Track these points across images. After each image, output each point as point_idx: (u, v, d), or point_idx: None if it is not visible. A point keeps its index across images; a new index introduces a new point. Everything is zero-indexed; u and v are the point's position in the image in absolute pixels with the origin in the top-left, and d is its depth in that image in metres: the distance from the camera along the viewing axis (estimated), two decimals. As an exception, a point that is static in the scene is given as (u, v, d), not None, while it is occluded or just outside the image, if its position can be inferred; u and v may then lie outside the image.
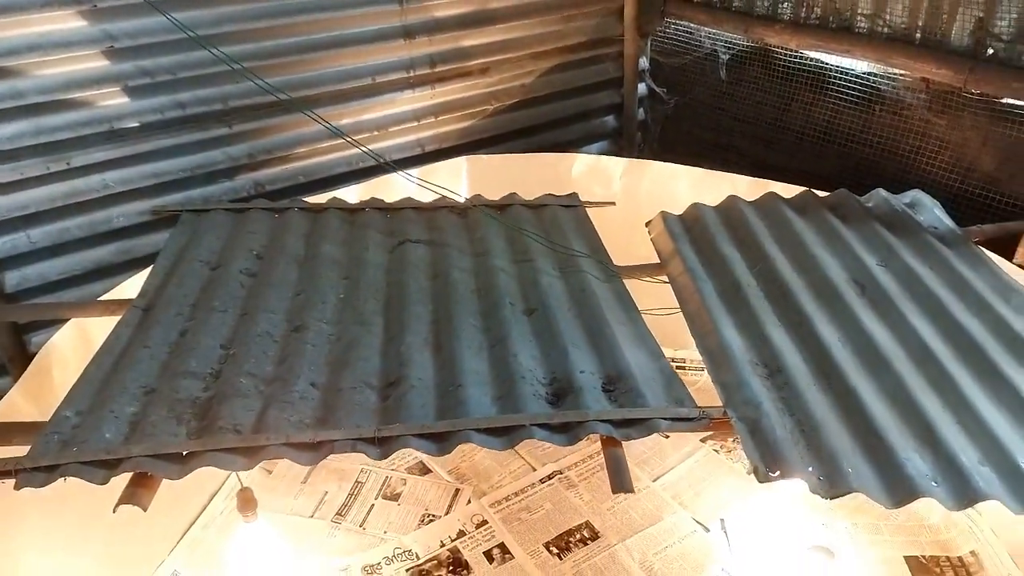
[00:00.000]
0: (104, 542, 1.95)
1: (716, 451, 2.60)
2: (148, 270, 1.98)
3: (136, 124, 2.51)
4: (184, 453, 1.33)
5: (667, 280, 1.88)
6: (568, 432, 1.39)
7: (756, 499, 2.40)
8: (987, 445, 1.34)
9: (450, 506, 2.42)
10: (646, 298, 1.89)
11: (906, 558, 2.21)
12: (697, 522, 2.34)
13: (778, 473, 1.25)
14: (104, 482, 1.27)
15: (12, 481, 1.28)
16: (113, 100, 2.46)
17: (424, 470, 2.56)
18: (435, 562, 2.24)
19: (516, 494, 2.45)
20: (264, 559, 1.94)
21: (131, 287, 2.00)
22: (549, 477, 2.51)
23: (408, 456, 2.60)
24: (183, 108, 2.56)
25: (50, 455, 1.30)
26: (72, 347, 1.95)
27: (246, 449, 1.33)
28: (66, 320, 2.00)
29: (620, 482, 1.30)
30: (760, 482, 1.27)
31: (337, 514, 2.40)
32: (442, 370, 1.55)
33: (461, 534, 2.32)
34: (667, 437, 2.70)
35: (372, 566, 2.22)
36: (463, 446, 2.70)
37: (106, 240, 2.61)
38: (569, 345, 1.62)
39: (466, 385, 1.49)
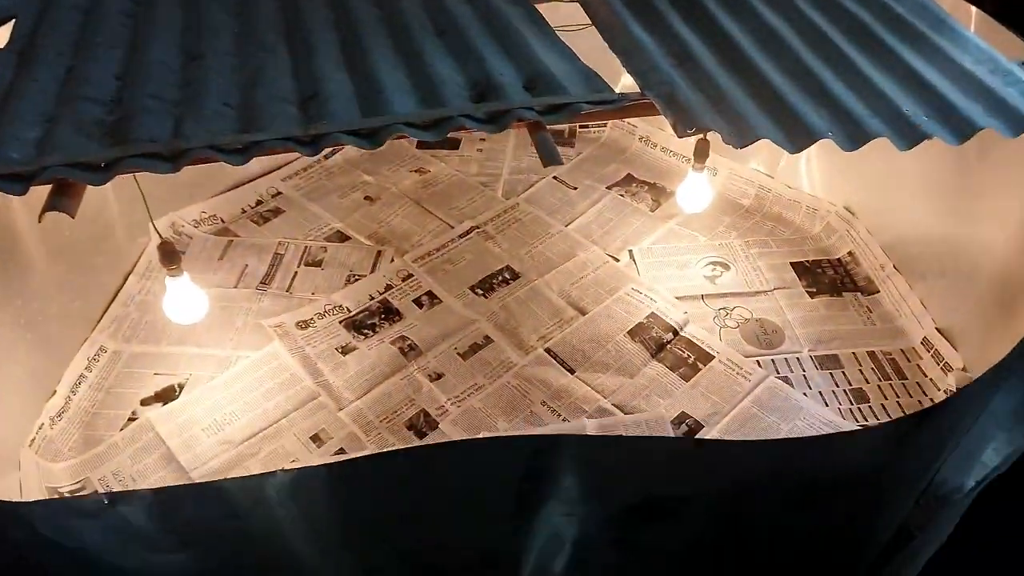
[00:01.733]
0: (22, 325, 1.92)
1: (621, 196, 2.74)
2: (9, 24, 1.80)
3: None
4: (103, 164, 1.28)
5: None
6: (495, 122, 1.42)
7: (660, 231, 2.58)
8: (875, 101, 1.47)
9: (374, 266, 2.47)
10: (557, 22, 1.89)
11: (792, 264, 2.46)
12: (608, 255, 2.50)
13: (693, 129, 1.34)
14: (23, 192, 1.22)
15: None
16: None
17: (343, 237, 2.58)
18: (367, 312, 2.32)
19: (437, 250, 2.53)
20: (197, 309, 1.95)
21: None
22: (467, 232, 2.59)
23: (324, 226, 2.61)
24: None
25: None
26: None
27: (169, 154, 1.29)
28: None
29: (550, 156, 1.36)
30: (679, 136, 1.36)
31: (261, 283, 2.41)
32: (360, 84, 1.53)
33: (388, 287, 2.40)
34: (586, 129, 2.81)
35: (305, 321, 2.28)
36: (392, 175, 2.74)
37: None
38: (485, 55, 1.62)
39: (387, 91, 1.48)
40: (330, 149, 2.69)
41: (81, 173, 1.25)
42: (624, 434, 2.00)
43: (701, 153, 2.15)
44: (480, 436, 1.95)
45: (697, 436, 1.98)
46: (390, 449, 1.83)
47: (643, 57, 1.56)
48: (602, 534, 1.19)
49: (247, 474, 1.84)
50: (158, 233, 1.90)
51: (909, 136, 1.40)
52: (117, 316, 2.28)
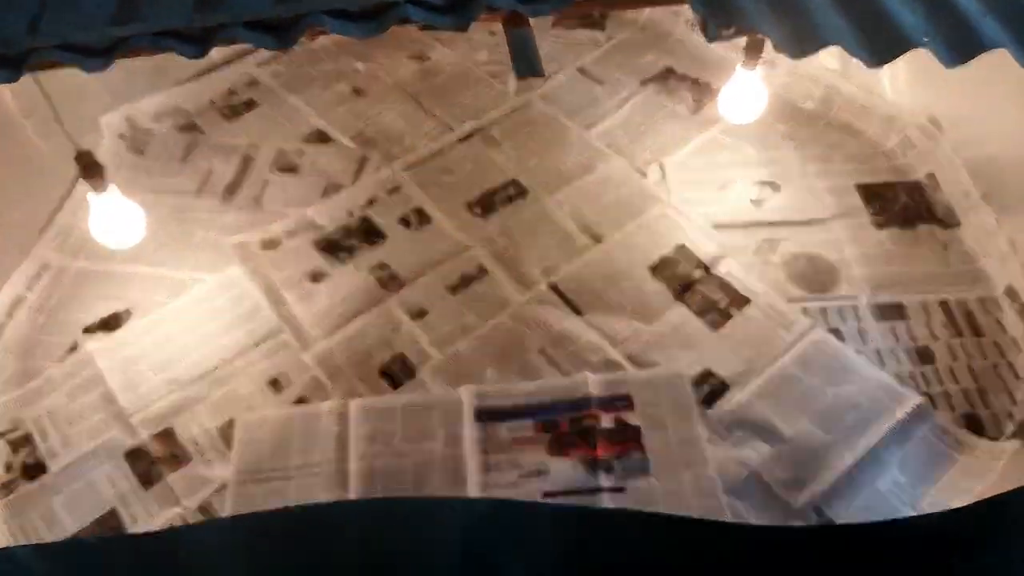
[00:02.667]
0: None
1: (657, 93, 2.29)
2: None
3: None
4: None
5: None
6: (455, 11, 1.02)
7: (700, 139, 2.16)
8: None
9: (357, 174, 2.12)
10: None
11: (857, 186, 2.03)
12: (635, 168, 2.10)
13: (732, 30, 0.93)
14: None
15: None
16: None
17: (323, 138, 2.21)
18: (344, 232, 1.99)
19: (432, 156, 2.16)
20: (129, 231, 1.64)
21: None
22: (469, 135, 2.20)
23: (302, 123, 2.24)
24: None
25: None
26: None
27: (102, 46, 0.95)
28: None
29: (528, 65, 1.00)
30: (709, 40, 0.96)
31: (227, 191, 2.09)
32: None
33: (371, 202, 2.06)
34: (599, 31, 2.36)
35: (272, 240, 1.96)
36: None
37: None
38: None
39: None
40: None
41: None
42: (632, 393, 1.68)
43: (754, 46, 1.69)
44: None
45: (716, 393, 1.65)
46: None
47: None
48: None
49: (193, 426, 1.60)
50: (73, 142, 1.57)
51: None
52: (64, 226, 2.00)
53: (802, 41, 0.93)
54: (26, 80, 1.10)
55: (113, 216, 1.61)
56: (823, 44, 0.93)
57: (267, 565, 0.85)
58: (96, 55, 1.01)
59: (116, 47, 1.00)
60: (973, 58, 0.94)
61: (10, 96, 1.88)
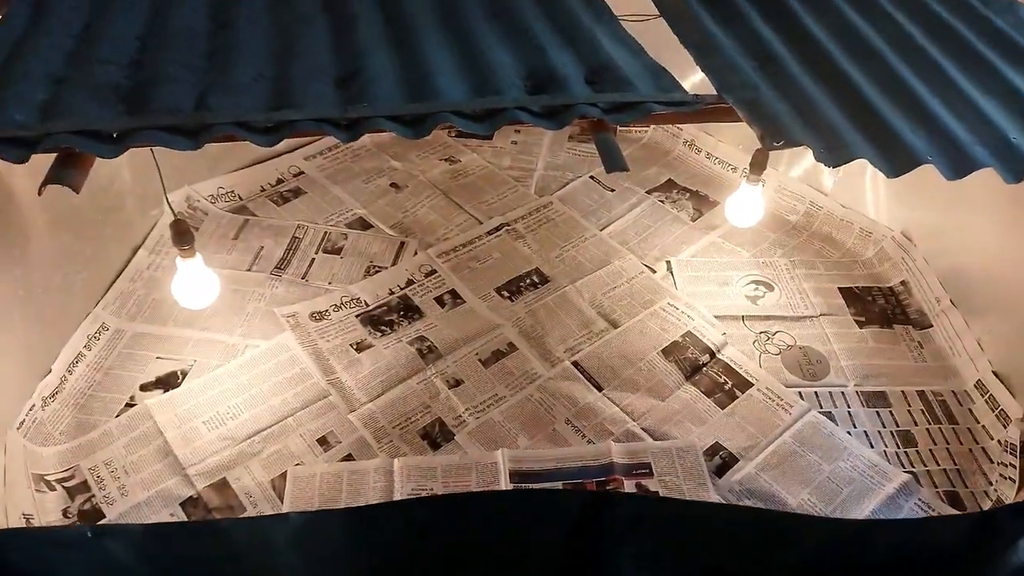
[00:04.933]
0: (21, 297, 1.78)
1: (661, 202, 2.58)
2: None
3: None
4: (115, 135, 1.13)
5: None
6: (555, 117, 1.27)
7: (701, 242, 2.43)
8: (978, 125, 1.32)
9: (396, 258, 2.33)
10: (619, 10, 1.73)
11: (840, 289, 2.31)
12: (644, 264, 2.35)
13: (783, 142, 1.19)
14: (23, 160, 1.08)
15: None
16: None
17: (365, 225, 2.43)
18: (385, 308, 2.18)
19: (464, 245, 2.39)
20: (208, 294, 1.81)
21: None
22: (496, 229, 2.45)
23: (346, 212, 2.46)
24: None
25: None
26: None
27: (191, 128, 1.15)
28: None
29: (614, 162, 1.22)
30: (767, 149, 1.21)
31: (276, 267, 2.27)
32: (406, 63, 1.38)
33: (410, 283, 2.26)
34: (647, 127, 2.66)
35: (319, 312, 2.14)
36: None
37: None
38: (543, 41, 1.46)
39: (436, 75, 1.33)
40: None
41: (90, 143, 1.11)
42: (651, 462, 1.86)
43: (758, 164, 2.00)
44: (514, 485, 1.76)
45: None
46: (417, 496, 1.67)
47: (720, 55, 1.41)
48: None
49: (247, 479, 1.72)
50: (172, 210, 1.76)
51: (1018, 169, 1.25)
52: (122, 292, 2.15)
53: (836, 154, 1.19)
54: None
55: (195, 280, 1.78)
56: (853, 157, 1.19)
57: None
58: (188, 135, 1.16)
59: (206, 130, 1.20)
60: (969, 174, 1.20)
61: (127, 173, 2.07)
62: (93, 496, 1.74)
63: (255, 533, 0.94)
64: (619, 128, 2.80)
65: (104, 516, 1.71)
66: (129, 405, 1.91)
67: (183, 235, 1.71)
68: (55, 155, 1.13)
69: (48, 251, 1.87)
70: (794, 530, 1.00)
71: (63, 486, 1.76)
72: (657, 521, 0.96)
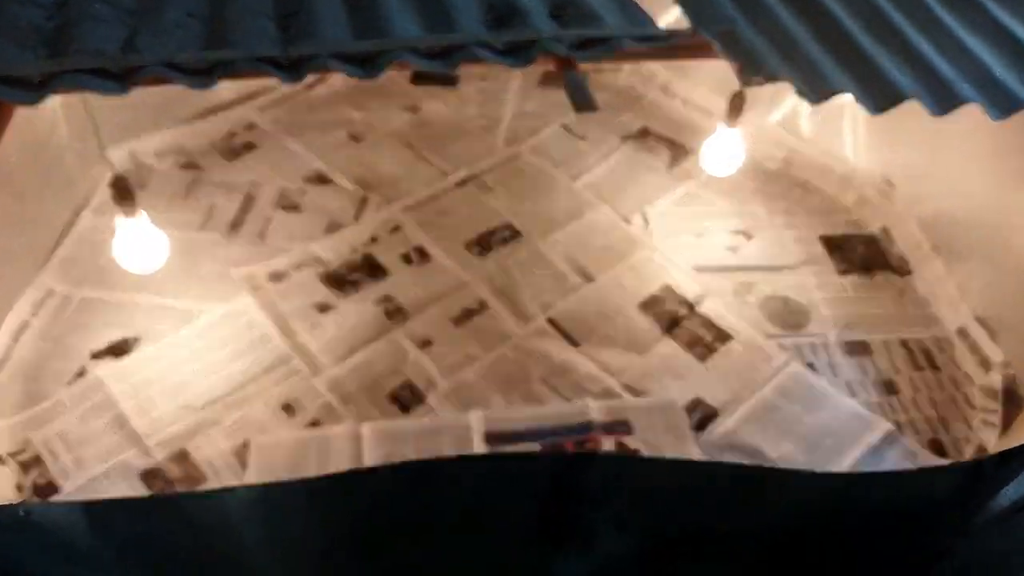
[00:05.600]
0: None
1: (636, 150, 2.49)
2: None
3: None
4: (38, 79, 1.02)
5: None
6: (517, 54, 1.17)
7: (677, 192, 2.35)
8: (964, 62, 1.25)
9: (358, 214, 2.22)
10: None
11: (820, 237, 2.25)
12: (619, 216, 2.27)
13: (761, 76, 1.10)
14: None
15: None
16: None
17: (324, 180, 2.31)
18: (348, 267, 2.08)
19: (429, 199, 2.28)
20: (154, 256, 1.70)
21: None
22: (463, 182, 2.34)
23: (302, 166, 2.34)
24: None
25: None
26: None
27: (118, 71, 1.03)
28: None
29: (583, 101, 1.12)
30: (744, 85, 1.13)
31: (230, 227, 2.15)
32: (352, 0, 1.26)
33: (373, 240, 2.15)
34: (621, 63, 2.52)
35: (279, 273, 2.03)
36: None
37: None
38: (505, -27, 1.35)
39: (387, 13, 1.21)
40: (314, 78, 2.41)
41: (9, 90, 0.99)
42: (631, 419, 1.80)
43: (736, 107, 1.89)
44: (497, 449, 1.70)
45: (713, 425, 1.78)
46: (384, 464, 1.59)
47: (695, -12, 1.31)
48: (642, 569, 0.99)
49: (208, 449, 1.63)
50: (111, 166, 1.63)
51: (1003, 105, 1.18)
52: (67, 256, 2.03)
53: (818, 89, 1.11)
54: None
55: (139, 242, 1.66)
56: (836, 92, 1.10)
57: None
58: (115, 78, 1.06)
59: (135, 72, 1.09)
60: (954, 110, 1.13)
61: (66, 128, 1.93)
62: (48, 470, 1.65)
63: (209, 507, 0.87)
64: (590, 72, 2.72)
65: (59, 490, 1.63)
66: (80, 375, 1.80)
67: (124, 192, 1.59)
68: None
69: (-19, 214, 1.74)
70: (777, 485, 0.94)
71: (16, 460, 1.66)
72: (634, 481, 0.90)
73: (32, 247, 1.96)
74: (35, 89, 1.05)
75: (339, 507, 0.91)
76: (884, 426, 1.81)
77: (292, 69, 1.09)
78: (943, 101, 1.15)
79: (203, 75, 1.06)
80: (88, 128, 1.58)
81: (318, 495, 0.92)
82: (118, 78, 1.06)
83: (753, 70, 1.10)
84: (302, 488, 0.92)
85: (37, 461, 1.65)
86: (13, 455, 1.65)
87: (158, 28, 1.14)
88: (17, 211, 1.88)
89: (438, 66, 1.11)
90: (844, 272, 2.16)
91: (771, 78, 1.11)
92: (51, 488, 1.62)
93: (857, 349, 1.99)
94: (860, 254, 2.21)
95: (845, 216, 2.31)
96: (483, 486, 0.89)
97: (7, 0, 1.18)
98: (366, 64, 1.10)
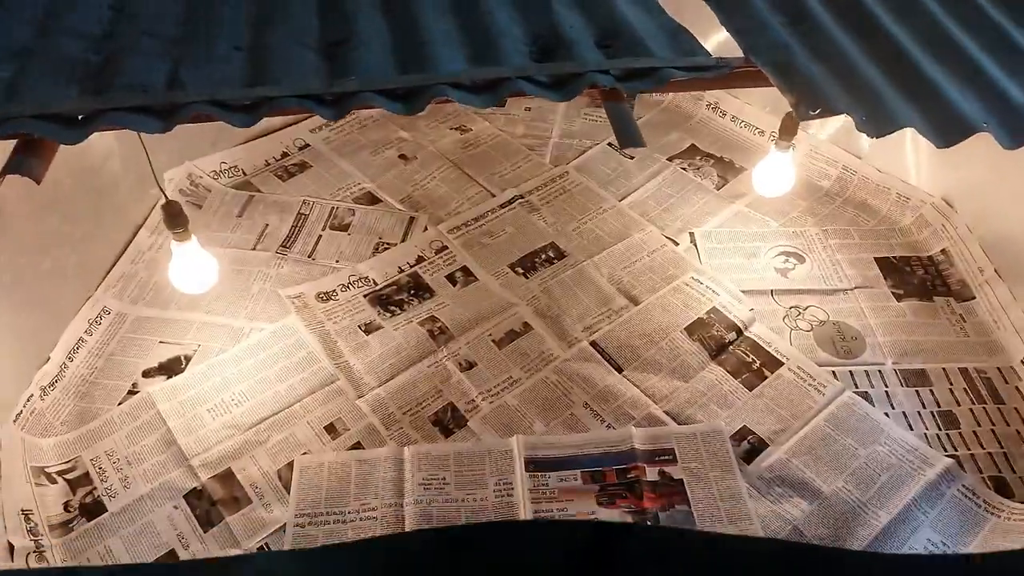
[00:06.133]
0: (6, 284, 1.70)
1: (684, 169, 2.45)
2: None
3: None
4: (80, 117, 1.04)
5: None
6: (562, 87, 1.15)
7: (726, 212, 2.30)
8: (1036, 85, 1.17)
9: (405, 234, 2.23)
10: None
11: (876, 259, 2.17)
12: (666, 237, 2.23)
13: (819, 111, 1.06)
14: (-22, 148, 0.99)
15: None
16: None
17: (373, 199, 2.33)
18: (395, 287, 2.09)
19: (476, 219, 2.28)
20: (205, 278, 1.73)
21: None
22: (510, 202, 2.33)
23: (353, 186, 2.36)
24: None
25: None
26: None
27: (161, 108, 1.05)
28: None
29: (629, 137, 1.10)
30: (800, 119, 1.09)
31: (282, 246, 2.18)
32: (399, 30, 1.26)
33: (420, 260, 2.16)
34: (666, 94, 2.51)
35: (326, 293, 2.05)
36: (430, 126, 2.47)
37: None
38: (553, 2, 1.34)
39: (432, 43, 1.21)
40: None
41: (52, 128, 1.02)
42: (675, 447, 1.76)
43: (788, 129, 1.86)
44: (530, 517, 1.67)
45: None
46: (426, 528, 1.58)
47: (746, 12, 1.27)
48: None
49: (252, 469, 1.65)
50: (163, 192, 1.67)
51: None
52: (123, 274, 2.08)
53: (880, 123, 1.06)
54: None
55: (192, 264, 1.69)
56: (898, 127, 1.06)
57: None
58: (157, 116, 1.07)
59: (177, 111, 1.09)
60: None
61: (121, 151, 1.98)
62: (95, 488, 1.69)
63: (244, 573, 0.86)
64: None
65: (106, 510, 1.66)
66: (131, 392, 1.85)
67: (175, 217, 1.63)
68: (15, 142, 1.04)
69: (30, 235, 1.79)
70: (833, 565, 0.89)
71: (64, 478, 1.71)
72: (670, 555, 0.86)
73: (85, 267, 2.01)
74: (78, 126, 1.06)
75: (379, 571, 0.90)
76: (944, 461, 1.73)
77: (335, 105, 1.09)
78: (1017, 133, 1.09)
79: (247, 112, 1.07)
80: (142, 153, 1.61)
81: (329, 565, 0.90)
82: (161, 115, 1.07)
83: (811, 104, 1.06)
84: (342, 552, 0.90)
85: (86, 479, 1.70)
86: (62, 473, 1.70)
87: (201, 59, 1.15)
88: (69, 232, 1.93)
89: (480, 102, 1.10)
90: (901, 296, 2.08)
91: (830, 113, 1.07)
92: (98, 507, 1.66)
93: (914, 378, 1.91)
94: (918, 277, 2.13)
95: (903, 238, 2.23)
96: (523, 550, 0.87)
97: (55, 32, 1.21)
98: (408, 99, 1.10)
